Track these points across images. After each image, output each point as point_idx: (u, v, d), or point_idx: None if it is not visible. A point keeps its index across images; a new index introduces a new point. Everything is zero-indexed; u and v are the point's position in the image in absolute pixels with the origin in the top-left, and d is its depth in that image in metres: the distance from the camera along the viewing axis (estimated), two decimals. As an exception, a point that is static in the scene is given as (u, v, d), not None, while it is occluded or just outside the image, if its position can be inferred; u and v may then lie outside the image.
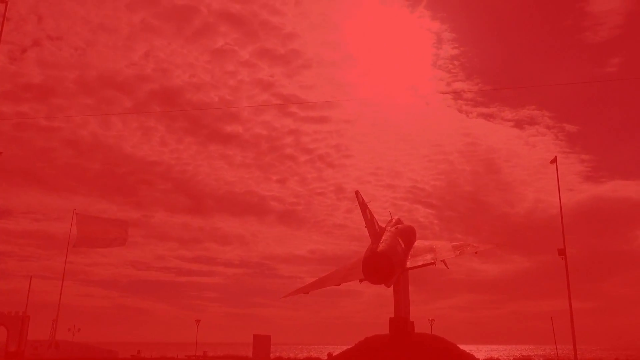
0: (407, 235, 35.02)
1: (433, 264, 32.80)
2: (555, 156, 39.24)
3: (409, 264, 33.10)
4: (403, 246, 33.55)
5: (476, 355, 35.03)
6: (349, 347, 33.78)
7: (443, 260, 33.24)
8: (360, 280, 32.15)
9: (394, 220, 35.92)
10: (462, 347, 32.79)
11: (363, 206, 32.84)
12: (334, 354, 39.05)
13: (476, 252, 33.75)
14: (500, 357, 66.07)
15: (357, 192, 32.94)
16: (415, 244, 35.21)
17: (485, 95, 63.11)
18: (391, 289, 32.61)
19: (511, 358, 71.62)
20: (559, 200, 40.15)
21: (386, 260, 31.33)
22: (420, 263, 33.00)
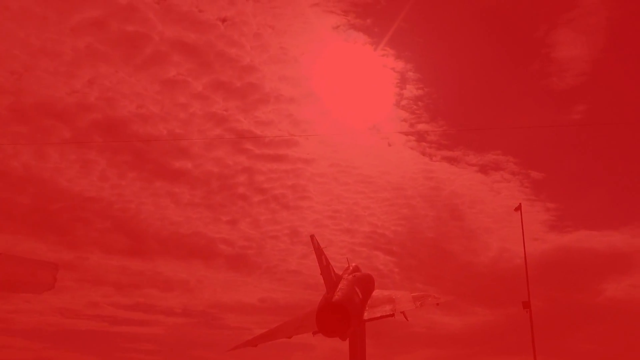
0: (365, 284, 33.86)
1: (392, 315, 31.87)
2: (520, 203, 38.86)
3: (366, 315, 32.01)
4: (360, 296, 32.30)
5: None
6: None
7: (403, 312, 32.34)
8: (314, 333, 30.75)
9: (351, 268, 34.82)
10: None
11: (319, 252, 31.74)
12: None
13: (438, 304, 33.01)
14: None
15: (312, 237, 31.87)
16: (374, 293, 34.10)
17: (450, 138, 61.92)
18: (347, 342, 31.72)
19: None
20: (523, 250, 39.56)
21: (342, 311, 30.08)
22: (379, 315, 31.95)
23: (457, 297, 35.92)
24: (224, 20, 27.58)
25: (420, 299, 32.85)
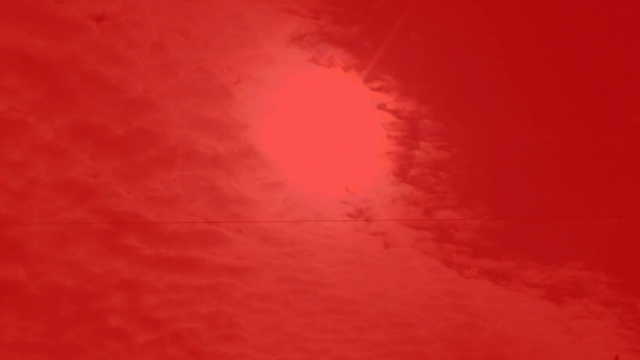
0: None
1: None
2: (617, 357, 20.26)
3: None
4: None
5: None
6: None
7: None
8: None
9: None
10: None
11: None
12: None
13: None
14: None
15: None
16: None
17: (495, 235, 12.70)
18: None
19: None
20: None
21: None
22: None
23: None
24: (99, 19, 10.63)
25: None
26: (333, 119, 11.85)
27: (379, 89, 11.90)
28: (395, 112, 11.94)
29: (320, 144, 11.75)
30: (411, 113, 12.03)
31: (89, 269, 10.16)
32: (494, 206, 12.26)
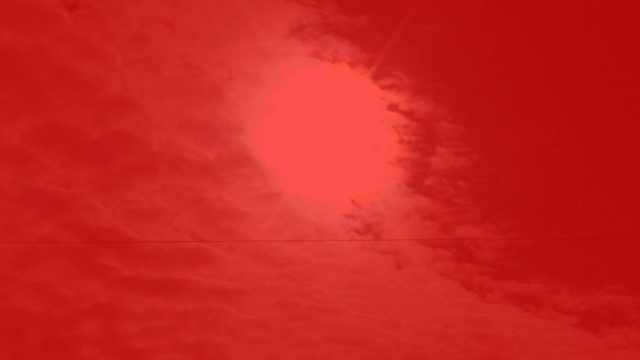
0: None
1: None
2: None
3: None
4: None
5: None
6: None
7: None
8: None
9: None
10: None
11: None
12: None
13: None
14: None
15: None
16: None
17: (522, 254, 11.22)
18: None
19: None
20: None
21: None
22: None
23: None
24: (72, 7, 9.34)
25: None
26: (337, 122, 10.97)
27: (390, 87, 11.11)
28: (408, 114, 11.08)
29: (322, 150, 10.89)
30: (427, 114, 11.17)
31: (59, 293, 9.52)
32: (522, 221, 11.28)
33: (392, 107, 11.06)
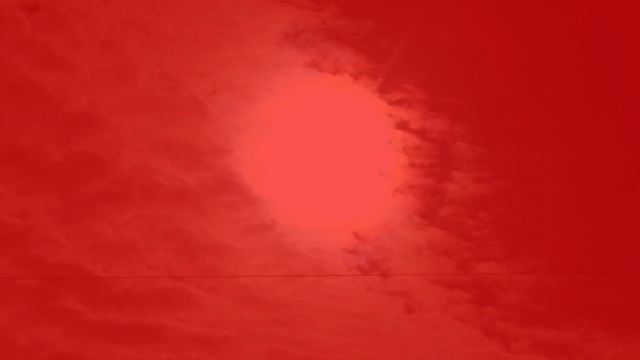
0: None
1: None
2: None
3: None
4: None
5: None
6: None
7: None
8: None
9: None
10: None
11: None
12: None
13: None
14: None
15: None
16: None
17: (550, 296, 11.63)
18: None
19: None
20: None
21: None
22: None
23: None
24: (32, 10, 9.61)
25: None
26: (338, 142, 10.32)
27: (399, 103, 10.54)
28: (420, 133, 10.46)
29: (321, 175, 10.23)
30: (441, 134, 10.52)
31: (14, 340, 8.92)
32: (552, 258, 10.43)
33: (402, 126, 10.54)
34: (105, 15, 9.83)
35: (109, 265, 9.25)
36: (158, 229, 9.44)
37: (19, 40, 9.37)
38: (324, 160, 10.23)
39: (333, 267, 10.01)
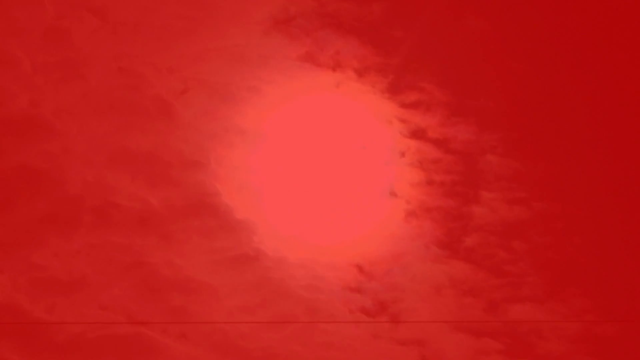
0: None
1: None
2: None
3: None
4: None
5: None
6: None
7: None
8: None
9: None
10: None
11: None
12: None
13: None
14: None
15: None
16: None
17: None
18: None
19: None
20: None
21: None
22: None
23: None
24: None
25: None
26: (338, 154, 9.21)
27: (414, 105, 9.38)
28: (441, 143, 9.28)
29: (317, 195, 9.04)
30: (467, 144, 9.31)
31: None
32: (602, 299, 9.16)
33: (418, 134, 9.32)
34: (51, -3, 8.84)
35: (53, 305, 7.98)
36: (114, 261, 8.23)
37: (-58, 26, 8.21)
38: (321, 177, 9.01)
39: (331, 309, 8.63)
